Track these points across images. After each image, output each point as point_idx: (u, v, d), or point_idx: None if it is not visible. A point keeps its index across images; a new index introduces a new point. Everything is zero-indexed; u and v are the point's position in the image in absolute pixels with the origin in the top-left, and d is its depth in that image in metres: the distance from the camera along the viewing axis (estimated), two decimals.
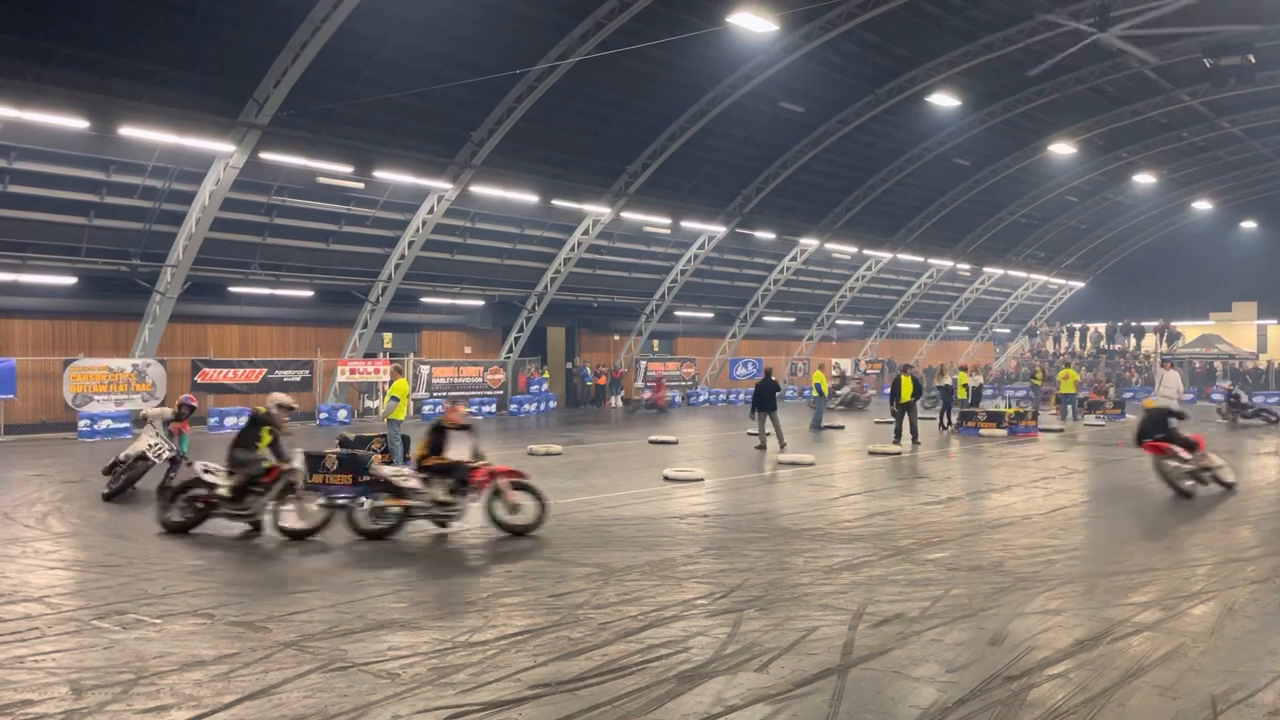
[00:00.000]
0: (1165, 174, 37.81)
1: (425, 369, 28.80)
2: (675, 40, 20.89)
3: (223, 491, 9.98)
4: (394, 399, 15.75)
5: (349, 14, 18.76)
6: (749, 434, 22.27)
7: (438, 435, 10.22)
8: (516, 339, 31.76)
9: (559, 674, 5.66)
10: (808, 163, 30.80)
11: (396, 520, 9.87)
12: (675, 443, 20.33)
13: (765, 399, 18.90)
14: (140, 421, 13.21)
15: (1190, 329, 46.03)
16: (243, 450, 10.05)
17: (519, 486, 10.13)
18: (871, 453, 18.29)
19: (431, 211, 26.13)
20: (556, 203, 27.84)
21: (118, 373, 22.83)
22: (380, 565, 8.74)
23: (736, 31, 20.60)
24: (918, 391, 20.12)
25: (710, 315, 38.18)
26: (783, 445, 18.42)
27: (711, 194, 31.58)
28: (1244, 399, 27.50)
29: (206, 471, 10.28)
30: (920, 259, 41.63)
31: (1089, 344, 47.68)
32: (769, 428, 18.77)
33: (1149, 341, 45.75)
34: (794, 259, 37.35)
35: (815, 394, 24.72)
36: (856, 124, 29.03)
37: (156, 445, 12.59)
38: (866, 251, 39.13)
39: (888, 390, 23.86)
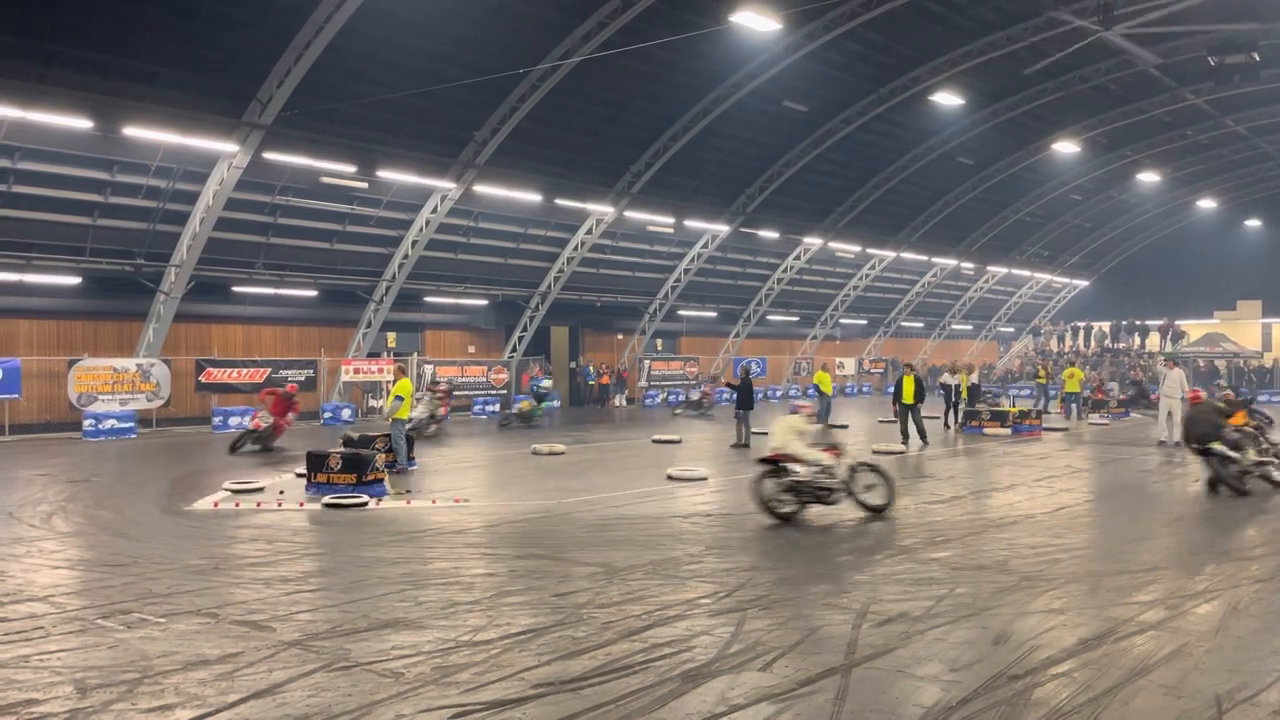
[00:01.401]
0: (1169, 172, 37.75)
1: (429, 368, 28.81)
2: (678, 40, 20.89)
3: None
4: (398, 398, 15.79)
5: (352, 14, 18.78)
6: (752, 433, 22.29)
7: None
8: (520, 338, 31.79)
9: (562, 673, 5.67)
10: (811, 162, 30.78)
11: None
12: (679, 442, 20.33)
13: (745, 398, 19.45)
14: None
15: (1195, 328, 45.94)
16: None
17: None
18: (875, 452, 18.27)
19: (435, 211, 26.16)
20: (560, 202, 27.86)
21: (122, 372, 22.87)
22: (384, 565, 8.74)
23: (739, 31, 20.60)
24: (920, 392, 20.12)
25: (714, 314, 38.17)
26: (746, 444, 18.87)
27: (714, 193, 31.57)
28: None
29: None
30: (924, 258, 41.59)
31: (1093, 343, 47.62)
32: (752, 426, 19.40)
33: (1153, 340, 45.69)
34: (797, 258, 37.35)
35: (816, 393, 24.73)
36: (859, 123, 29.01)
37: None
38: (870, 250, 39.10)
39: (891, 389, 23.86)
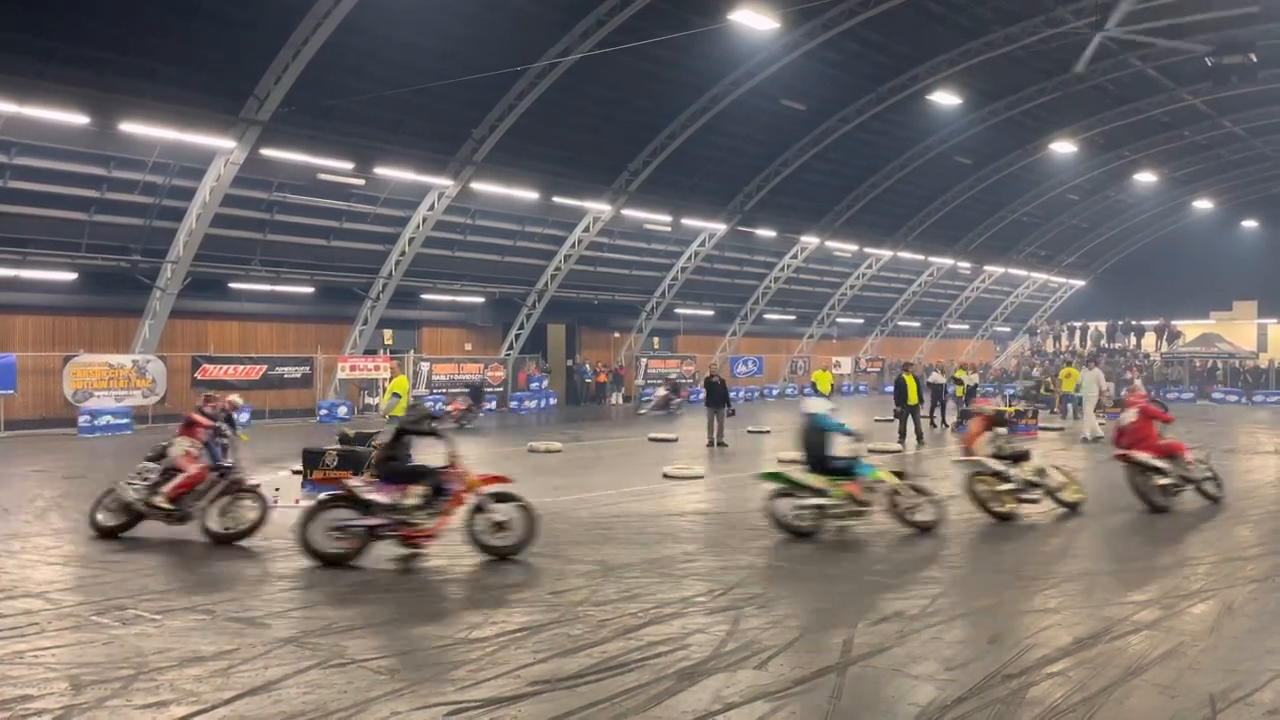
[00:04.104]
0: (1166, 173, 37.79)
1: (425, 366, 28.80)
2: (677, 38, 20.88)
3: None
4: (395, 395, 15.80)
5: (350, 10, 18.76)
6: (749, 431, 22.34)
7: None
8: (517, 336, 31.77)
9: (558, 671, 5.66)
10: (809, 160, 30.78)
11: None
12: (675, 440, 20.33)
13: (716, 398, 19.42)
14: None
15: (1191, 328, 45.96)
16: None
17: None
18: (872, 451, 18.27)
19: (432, 208, 26.13)
20: (557, 200, 27.84)
21: (118, 369, 22.84)
22: (380, 562, 8.73)
23: (738, 29, 20.58)
24: (920, 392, 20.17)
25: (711, 313, 38.17)
26: (721, 443, 18.78)
27: (712, 191, 31.57)
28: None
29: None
30: (921, 257, 41.64)
31: (1089, 343, 47.65)
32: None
33: (1149, 340, 45.74)
34: (794, 257, 37.35)
35: (814, 392, 24.77)
36: (858, 122, 29.02)
37: None
38: (867, 249, 39.13)
39: (889, 389, 23.94)
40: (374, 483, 8.65)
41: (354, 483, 8.70)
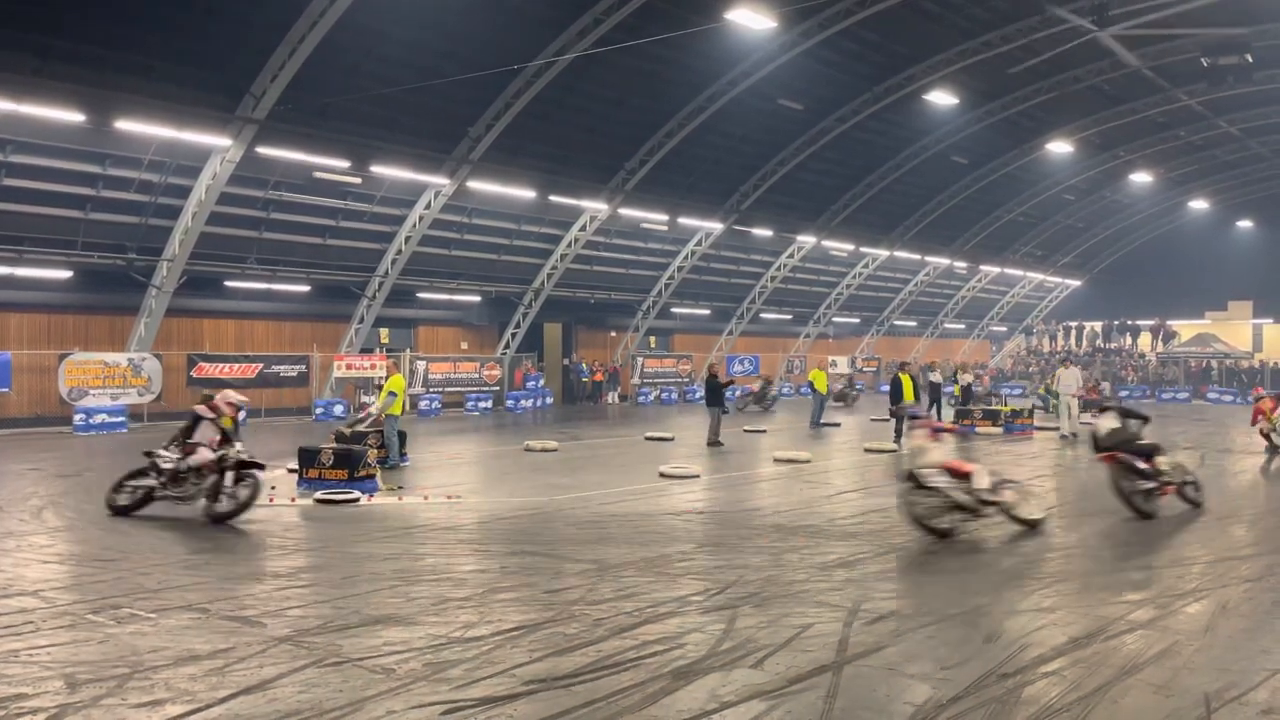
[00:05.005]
0: (1162, 173, 37.87)
1: (421, 364, 28.79)
2: (674, 36, 20.88)
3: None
4: (390, 394, 15.77)
5: (347, 8, 18.74)
6: (745, 431, 22.37)
7: None
8: (513, 335, 31.77)
9: (554, 670, 5.66)
10: (805, 160, 30.80)
11: None
12: (672, 439, 20.33)
13: (714, 395, 19.50)
14: None
15: (1186, 328, 46.08)
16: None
17: None
18: (867, 450, 18.31)
19: (429, 207, 26.12)
20: (554, 198, 27.83)
21: (113, 366, 22.81)
22: (376, 561, 8.73)
23: (735, 28, 20.58)
24: (916, 391, 20.18)
25: (707, 312, 38.19)
26: (717, 441, 18.70)
27: (709, 190, 31.58)
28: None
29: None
30: (917, 256, 41.68)
31: (1085, 343, 47.76)
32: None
33: (1145, 340, 45.83)
34: (791, 256, 37.38)
35: (811, 391, 24.80)
36: (854, 121, 29.04)
37: None
38: (863, 249, 39.16)
39: (885, 388, 23.98)
40: (1128, 457, 10.44)
41: (1127, 456, 10.41)
